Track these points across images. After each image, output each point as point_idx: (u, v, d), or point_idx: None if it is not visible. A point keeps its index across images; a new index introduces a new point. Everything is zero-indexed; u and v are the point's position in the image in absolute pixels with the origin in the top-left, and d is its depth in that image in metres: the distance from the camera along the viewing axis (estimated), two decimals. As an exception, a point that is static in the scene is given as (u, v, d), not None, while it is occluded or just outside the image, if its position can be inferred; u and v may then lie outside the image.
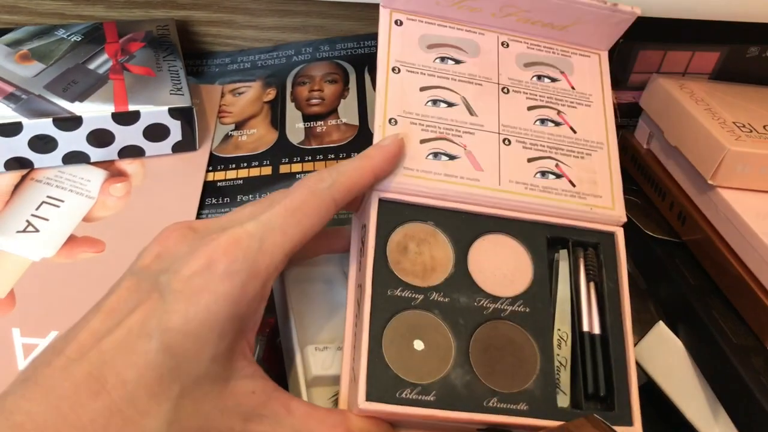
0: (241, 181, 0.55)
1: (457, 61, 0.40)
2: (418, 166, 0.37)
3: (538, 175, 0.39)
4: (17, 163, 0.52)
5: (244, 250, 0.32)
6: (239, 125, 0.59)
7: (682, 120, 0.49)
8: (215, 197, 0.54)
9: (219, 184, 0.55)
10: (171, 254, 0.33)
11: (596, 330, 0.38)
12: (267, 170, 0.56)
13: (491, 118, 0.39)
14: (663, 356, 0.43)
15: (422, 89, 0.39)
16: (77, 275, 0.47)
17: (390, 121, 0.37)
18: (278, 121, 0.60)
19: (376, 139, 0.37)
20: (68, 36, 0.59)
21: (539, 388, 0.35)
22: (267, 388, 0.33)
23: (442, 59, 0.40)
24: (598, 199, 0.39)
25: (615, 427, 0.32)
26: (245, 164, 0.56)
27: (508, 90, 0.40)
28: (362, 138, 0.57)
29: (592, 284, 0.39)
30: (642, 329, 0.46)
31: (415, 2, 0.40)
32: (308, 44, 0.66)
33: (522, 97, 0.40)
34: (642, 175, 0.54)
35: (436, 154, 0.38)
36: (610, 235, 0.40)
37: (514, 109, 0.40)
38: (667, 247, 0.49)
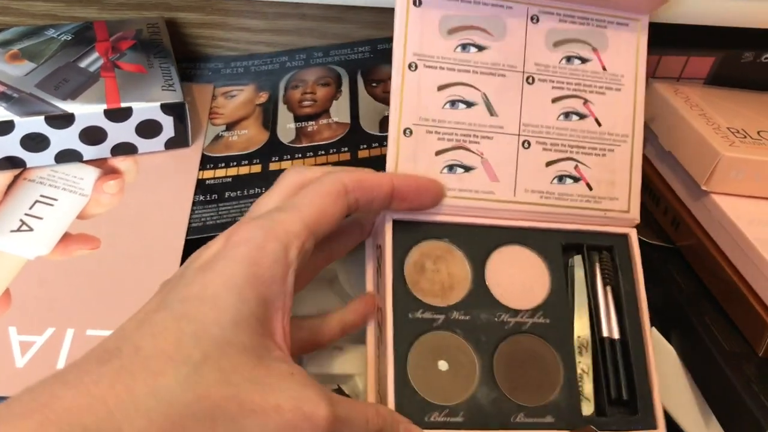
0: (230, 179, 0.55)
1: (480, 48, 0.37)
2: None
3: (555, 180, 0.38)
4: (9, 163, 0.51)
5: (259, 222, 0.32)
6: (230, 126, 0.59)
7: (677, 125, 0.49)
8: (203, 194, 0.53)
9: (208, 182, 0.55)
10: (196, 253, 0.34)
11: (615, 335, 0.38)
12: (257, 168, 0.55)
13: (512, 118, 0.37)
14: (655, 362, 0.43)
15: (440, 88, 0.37)
16: (73, 272, 0.47)
17: (405, 131, 0.36)
18: (270, 122, 0.59)
19: (390, 151, 0.36)
20: (58, 35, 0.59)
21: (564, 398, 0.35)
22: (306, 375, 0.30)
23: (464, 47, 0.37)
24: (614, 202, 0.39)
25: None
26: (235, 163, 0.56)
27: (533, 80, 0.38)
28: (353, 135, 0.57)
29: (609, 288, 0.39)
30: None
31: None
32: (302, 51, 0.66)
33: (547, 87, 0.38)
34: (635, 179, 0.54)
35: (451, 167, 0.37)
36: (624, 237, 0.40)
37: (537, 102, 0.38)
38: (661, 252, 0.49)
